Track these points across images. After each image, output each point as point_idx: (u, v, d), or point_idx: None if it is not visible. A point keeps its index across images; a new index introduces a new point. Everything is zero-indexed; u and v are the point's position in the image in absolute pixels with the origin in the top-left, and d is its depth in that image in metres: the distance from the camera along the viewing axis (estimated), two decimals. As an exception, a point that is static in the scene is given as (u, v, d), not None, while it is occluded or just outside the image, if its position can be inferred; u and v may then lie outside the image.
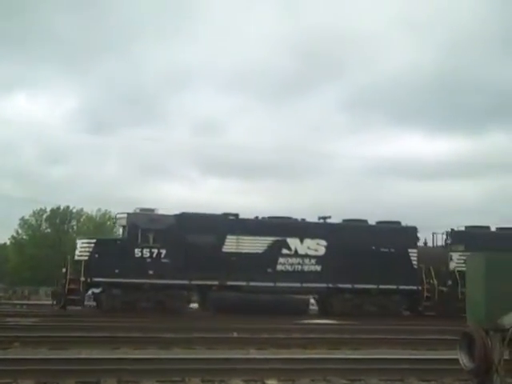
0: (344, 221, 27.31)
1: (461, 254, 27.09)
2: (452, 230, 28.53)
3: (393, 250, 26.70)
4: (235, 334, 15.59)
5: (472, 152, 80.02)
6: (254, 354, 12.07)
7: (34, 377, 8.60)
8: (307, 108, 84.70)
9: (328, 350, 13.40)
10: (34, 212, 58.58)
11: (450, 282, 27.33)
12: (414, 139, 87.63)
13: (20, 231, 58.98)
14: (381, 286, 25.84)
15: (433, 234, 31.44)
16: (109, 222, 53.96)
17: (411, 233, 27.47)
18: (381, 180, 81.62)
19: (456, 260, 27.46)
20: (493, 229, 28.50)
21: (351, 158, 77.73)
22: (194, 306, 26.74)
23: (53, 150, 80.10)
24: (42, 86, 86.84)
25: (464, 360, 6.18)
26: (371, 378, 9.35)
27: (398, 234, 27.27)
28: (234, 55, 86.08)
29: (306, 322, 21.86)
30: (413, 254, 26.99)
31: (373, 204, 63.40)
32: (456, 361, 6.72)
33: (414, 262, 26.83)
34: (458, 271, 26.61)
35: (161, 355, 10.98)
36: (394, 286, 26.01)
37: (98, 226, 56.04)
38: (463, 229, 28.33)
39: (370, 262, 25.79)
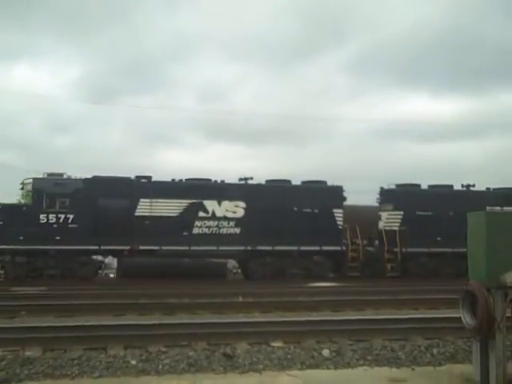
0: (267, 181, 26.45)
1: (389, 213, 26.92)
2: (382, 188, 27.77)
3: (316, 211, 25.87)
4: (241, 299, 15.77)
5: (475, 112, 79.40)
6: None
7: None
8: (311, 73, 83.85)
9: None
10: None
11: (376, 242, 26.89)
12: (419, 101, 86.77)
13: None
14: (302, 248, 25.10)
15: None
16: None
17: (336, 192, 26.61)
18: (384, 142, 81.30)
19: (384, 219, 27.03)
20: (424, 187, 27.85)
21: (354, 121, 77.41)
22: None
23: (56, 120, 79.70)
24: (44, 56, 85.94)
25: (466, 318, 6.20)
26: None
27: (323, 194, 26.41)
28: (238, 22, 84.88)
29: (311, 285, 22.10)
30: (338, 214, 26.19)
31: (376, 166, 63.25)
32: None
33: (339, 223, 26.08)
34: (386, 231, 26.48)
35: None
36: (317, 247, 25.30)
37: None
38: (394, 187, 27.79)
39: (292, 223, 25.01)
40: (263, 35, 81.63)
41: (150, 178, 24.88)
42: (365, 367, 8.21)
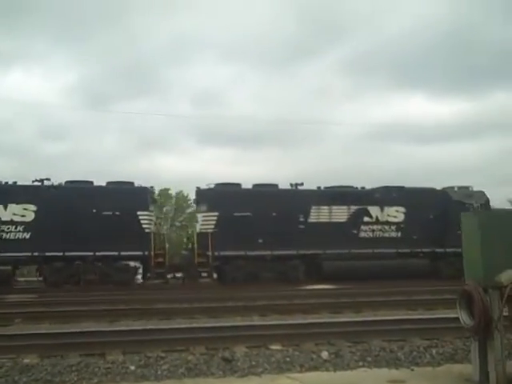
0: (66, 183, 24.83)
1: (204, 214, 25.40)
2: (197, 188, 26.28)
3: (118, 213, 24.18)
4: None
5: (473, 113, 79.51)
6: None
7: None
8: (308, 74, 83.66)
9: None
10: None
11: (190, 246, 25.68)
12: (417, 102, 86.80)
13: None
14: (98, 253, 23.48)
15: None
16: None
17: (142, 194, 25.18)
18: (380, 144, 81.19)
19: (200, 221, 25.68)
20: (249, 186, 26.59)
21: (351, 123, 77.33)
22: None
23: (49, 126, 79.29)
24: (38, 61, 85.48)
25: (464, 318, 6.22)
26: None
27: (127, 196, 24.81)
28: (235, 23, 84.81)
29: (308, 287, 22.16)
30: (143, 216, 24.68)
31: (372, 169, 63.24)
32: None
33: (145, 226, 24.57)
34: (200, 233, 25.03)
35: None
36: (115, 252, 23.63)
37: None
38: (212, 186, 26.22)
39: (89, 226, 23.37)
40: (261, 36, 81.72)
41: None
42: (364, 368, 8.23)
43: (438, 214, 27.36)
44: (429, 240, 26.83)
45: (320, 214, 26.35)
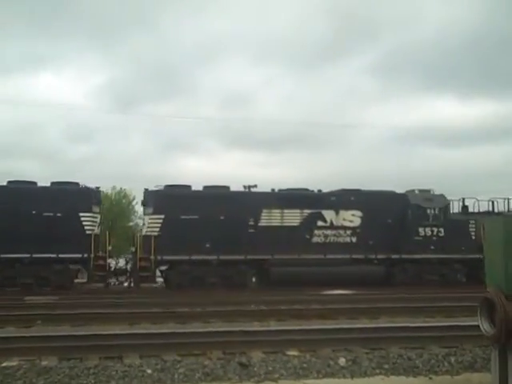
0: (8, 183, 23.92)
1: (150, 217, 24.57)
2: (145, 189, 25.34)
3: (59, 215, 23.29)
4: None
5: (502, 116, 78.53)
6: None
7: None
8: (338, 76, 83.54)
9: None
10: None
11: (133, 249, 24.51)
12: (446, 104, 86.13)
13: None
14: (36, 255, 22.54)
15: (449, 200, 31.42)
16: (124, 200, 54.00)
17: (85, 195, 24.26)
18: (408, 147, 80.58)
19: (147, 224, 24.77)
20: (199, 188, 25.40)
21: (379, 126, 76.85)
22: None
23: (77, 128, 79.80)
24: (68, 63, 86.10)
25: (484, 325, 6.13)
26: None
27: (69, 197, 23.84)
28: (265, 24, 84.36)
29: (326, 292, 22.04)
30: (86, 218, 23.76)
31: (398, 172, 62.71)
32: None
33: (88, 228, 23.62)
34: (144, 236, 24.14)
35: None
36: (54, 255, 22.69)
37: (113, 203, 56.24)
38: (161, 188, 25.11)
39: (26, 228, 22.49)
40: (290, 38, 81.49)
41: None
42: (381, 376, 8.16)
43: (397, 218, 26.47)
44: (385, 246, 25.79)
45: (271, 218, 25.40)
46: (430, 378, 8.08)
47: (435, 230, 26.85)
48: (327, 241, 25.77)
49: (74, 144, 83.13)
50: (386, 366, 8.49)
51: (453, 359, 8.85)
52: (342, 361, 8.63)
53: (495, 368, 6.25)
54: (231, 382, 7.85)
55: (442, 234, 26.85)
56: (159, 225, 24.17)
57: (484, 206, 29.77)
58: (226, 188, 25.56)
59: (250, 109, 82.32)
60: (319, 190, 26.85)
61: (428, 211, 26.78)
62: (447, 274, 26.62)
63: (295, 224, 25.53)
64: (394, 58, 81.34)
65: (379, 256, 25.85)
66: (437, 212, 27.04)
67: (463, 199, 30.42)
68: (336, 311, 14.83)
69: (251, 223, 25.04)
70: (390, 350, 9.21)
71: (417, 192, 27.76)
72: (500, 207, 29.46)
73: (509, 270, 5.82)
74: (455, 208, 30.62)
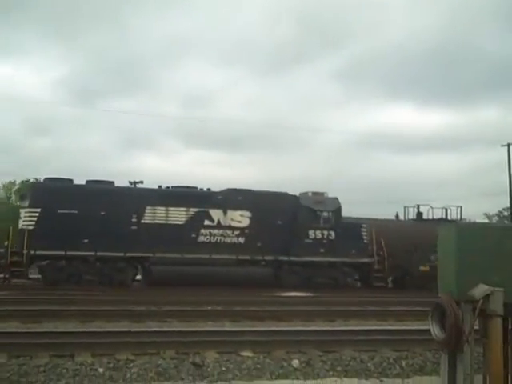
0: None
1: (26, 210, 23.97)
2: (23, 182, 25.28)
3: None
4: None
5: (458, 127, 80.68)
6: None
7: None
8: (301, 80, 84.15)
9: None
10: (3, 185, 57.23)
11: (5, 243, 23.42)
12: (404, 112, 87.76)
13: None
14: None
15: (404, 207, 32.01)
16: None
17: None
18: (367, 153, 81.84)
19: (23, 217, 24.10)
20: (82, 182, 24.94)
21: (339, 131, 77.86)
22: None
23: (36, 122, 78.13)
24: (27, 55, 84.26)
25: (435, 330, 6.26)
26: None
27: None
28: (231, 26, 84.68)
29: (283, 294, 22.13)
30: None
31: (357, 177, 63.61)
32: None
33: None
34: (20, 230, 23.62)
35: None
36: None
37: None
38: (41, 181, 24.58)
39: None
40: (256, 41, 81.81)
41: None
42: (334, 378, 8.25)
43: (287, 220, 26.05)
44: (274, 247, 25.42)
45: (155, 215, 24.72)
46: (382, 381, 8.21)
47: (326, 232, 26.59)
48: (214, 241, 25.24)
49: (32, 137, 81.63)
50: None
51: (404, 362, 9.02)
52: (295, 362, 8.70)
53: (444, 372, 6.39)
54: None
55: (332, 237, 26.59)
56: (35, 218, 23.31)
57: (438, 214, 30.50)
58: (110, 183, 24.97)
59: (211, 109, 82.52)
60: (208, 189, 26.37)
61: (319, 214, 26.53)
62: (337, 277, 26.37)
63: (180, 222, 24.91)
64: (357, 64, 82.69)
65: (266, 258, 25.49)
66: (328, 215, 26.76)
67: (418, 206, 31.11)
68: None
69: (134, 220, 24.31)
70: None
71: (310, 194, 27.49)
72: (453, 215, 30.22)
73: (460, 277, 5.97)
74: (410, 214, 31.34)
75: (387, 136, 76.50)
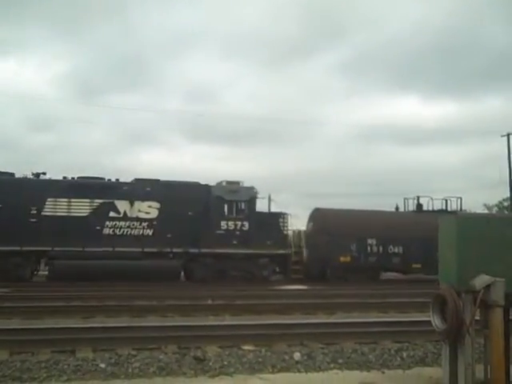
0: None
1: None
2: None
3: None
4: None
5: (460, 118, 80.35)
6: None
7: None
8: (306, 72, 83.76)
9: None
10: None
11: None
12: (409, 104, 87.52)
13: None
14: None
15: (404, 199, 32.00)
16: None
17: None
18: (370, 146, 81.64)
19: None
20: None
21: (342, 124, 77.60)
22: None
23: (38, 117, 77.75)
24: (31, 50, 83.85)
25: (436, 321, 6.27)
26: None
27: None
28: (236, 19, 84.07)
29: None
30: None
31: (360, 170, 63.54)
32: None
33: None
34: None
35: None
36: None
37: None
38: None
39: None
40: (260, 34, 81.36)
41: None
42: (335, 370, 8.25)
43: (199, 210, 25.24)
44: (184, 239, 24.62)
45: (57, 207, 23.93)
46: (383, 373, 8.21)
47: (239, 223, 25.60)
48: (119, 233, 24.47)
49: (36, 133, 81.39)
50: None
51: (405, 354, 9.03)
52: (296, 355, 8.70)
53: (446, 362, 6.40)
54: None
55: (246, 228, 25.59)
56: None
57: (438, 205, 30.51)
58: (9, 174, 24.27)
59: (215, 103, 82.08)
60: (117, 179, 25.55)
61: (232, 204, 25.70)
62: (253, 270, 25.51)
63: (84, 214, 24.15)
64: (361, 56, 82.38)
65: (175, 250, 24.70)
66: (241, 205, 25.86)
67: (418, 197, 31.11)
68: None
69: (33, 212, 23.57)
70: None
71: (224, 184, 26.56)
72: (453, 206, 30.23)
73: (461, 268, 5.97)
74: (410, 206, 31.37)
75: (390, 128, 76.20)
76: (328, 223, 27.22)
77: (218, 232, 25.29)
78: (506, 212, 46.56)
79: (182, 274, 25.63)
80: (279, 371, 8.15)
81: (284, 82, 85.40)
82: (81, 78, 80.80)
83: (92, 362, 8.00)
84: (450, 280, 6.08)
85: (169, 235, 24.50)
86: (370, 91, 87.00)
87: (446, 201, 30.54)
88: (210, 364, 8.18)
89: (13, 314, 12.96)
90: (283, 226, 26.53)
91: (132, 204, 24.67)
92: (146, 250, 24.13)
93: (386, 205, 34.10)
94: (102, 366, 7.90)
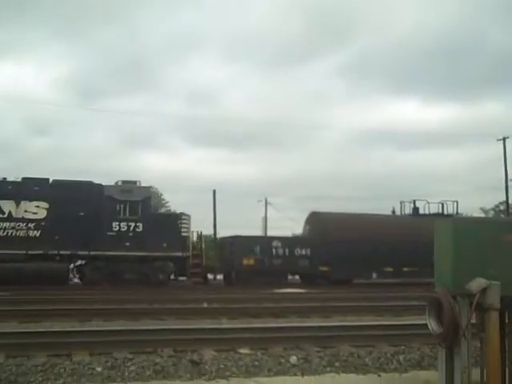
0: None
1: None
2: None
3: None
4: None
5: (460, 122, 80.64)
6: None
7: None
8: (308, 76, 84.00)
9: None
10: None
11: None
12: (408, 108, 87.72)
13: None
14: None
15: (401, 202, 32.07)
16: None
17: None
18: (370, 150, 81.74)
19: None
20: None
21: (342, 127, 77.78)
22: None
23: (38, 121, 77.60)
24: (31, 52, 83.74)
25: (432, 325, 6.27)
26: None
27: None
28: (239, 22, 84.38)
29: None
30: None
31: (360, 174, 63.53)
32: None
33: None
34: None
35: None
36: None
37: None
38: None
39: None
40: (262, 36, 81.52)
41: None
42: (332, 374, 8.25)
43: (90, 211, 24.40)
44: (74, 241, 23.76)
45: None
46: (379, 376, 8.21)
47: (132, 224, 24.87)
48: (2, 234, 23.64)
49: (35, 136, 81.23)
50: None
51: (401, 357, 9.03)
52: (293, 359, 8.69)
53: (442, 366, 6.40)
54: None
55: (140, 230, 24.90)
56: None
57: (434, 209, 30.61)
58: None
59: (216, 106, 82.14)
60: (4, 178, 24.62)
61: (125, 204, 24.93)
62: (148, 273, 24.77)
63: None
64: (361, 60, 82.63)
65: (62, 252, 23.92)
66: (134, 206, 25.07)
67: (414, 201, 31.22)
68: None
69: None
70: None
71: (120, 183, 25.91)
72: (450, 209, 30.33)
73: (456, 271, 5.97)
74: (407, 209, 31.45)
75: (390, 132, 76.39)
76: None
77: (110, 233, 24.69)
78: (502, 216, 46.68)
79: (78, 277, 24.91)
80: (275, 374, 8.14)
81: (284, 85, 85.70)
82: (81, 81, 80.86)
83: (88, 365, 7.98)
84: (445, 283, 6.08)
85: (56, 237, 23.70)
86: (370, 95, 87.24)
87: (443, 204, 30.64)
88: (206, 367, 8.16)
89: None
90: (182, 228, 25.68)
91: (18, 204, 23.80)
92: (30, 252, 23.27)
93: (383, 209, 34.19)
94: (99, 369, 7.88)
